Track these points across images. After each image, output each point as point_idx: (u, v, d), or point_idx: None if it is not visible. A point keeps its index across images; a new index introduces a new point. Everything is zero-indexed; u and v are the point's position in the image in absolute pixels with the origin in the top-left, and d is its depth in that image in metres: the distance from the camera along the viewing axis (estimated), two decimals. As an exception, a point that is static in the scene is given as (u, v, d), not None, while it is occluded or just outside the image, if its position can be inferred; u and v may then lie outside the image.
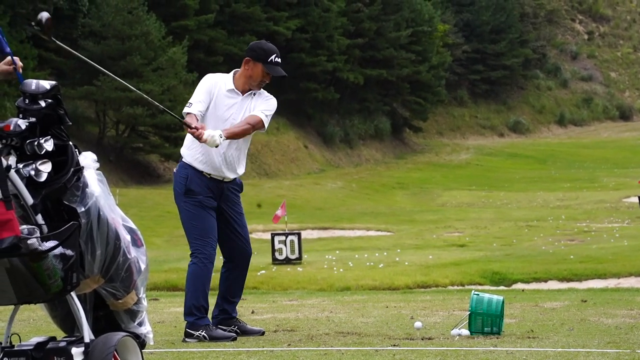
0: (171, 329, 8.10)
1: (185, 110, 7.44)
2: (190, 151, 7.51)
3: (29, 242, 4.46)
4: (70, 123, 4.79)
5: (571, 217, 32.20)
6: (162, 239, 28.18)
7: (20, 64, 5.40)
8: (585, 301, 9.98)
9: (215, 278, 7.46)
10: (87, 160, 4.88)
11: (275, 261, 19.65)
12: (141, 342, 4.97)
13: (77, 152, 4.82)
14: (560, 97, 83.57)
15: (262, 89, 7.63)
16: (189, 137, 7.46)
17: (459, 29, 73.66)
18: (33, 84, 4.75)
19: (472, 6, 75.64)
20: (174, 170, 7.66)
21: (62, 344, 4.66)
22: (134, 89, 7.66)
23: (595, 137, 75.31)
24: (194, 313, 7.37)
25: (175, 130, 43.15)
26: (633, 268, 18.08)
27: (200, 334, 7.30)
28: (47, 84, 4.75)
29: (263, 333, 7.57)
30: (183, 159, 7.56)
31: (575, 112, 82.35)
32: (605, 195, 40.61)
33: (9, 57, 5.30)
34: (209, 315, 7.58)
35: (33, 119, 4.66)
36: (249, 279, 17.05)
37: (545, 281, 17.47)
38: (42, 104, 4.70)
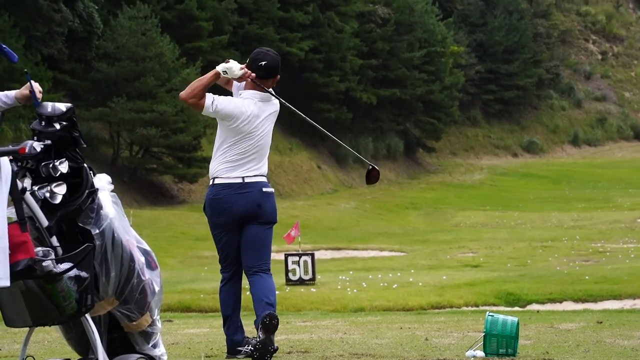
0: (185, 351, 8.09)
1: None
2: None
3: (44, 264, 4.47)
4: (85, 145, 4.80)
5: (586, 238, 32.07)
6: (176, 260, 28.18)
7: (39, 88, 5.41)
8: (601, 322, 9.92)
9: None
10: (102, 182, 4.90)
11: (288, 282, 19.61)
12: (155, 364, 4.96)
13: (92, 174, 4.84)
14: (574, 117, 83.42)
15: (271, 97, 7.63)
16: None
17: (472, 49, 73.69)
18: (49, 106, 4.77)
19: (485, 26, 75.70)
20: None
21: (77, 366, 4.66)
22: None
23: (610, 157, 75.09)
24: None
25: (189, 151, 43.22)
26: (649, 289, 17.98)
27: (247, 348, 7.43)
28: (63, 107, 4.78)
29: (276, 349, 7.60)
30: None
31: (589, 132, 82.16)
32: (620, 216, 40.45)
33: (27, 83, 5.31)
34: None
35: (48, 142, 4.68)
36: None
37: (560, 302, 17.37)
38: (57, 126, 4.72)
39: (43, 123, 4.73)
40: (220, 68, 7.48)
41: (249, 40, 51.52)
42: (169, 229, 34.04)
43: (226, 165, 7.49)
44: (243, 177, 7.47)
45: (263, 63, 7.55)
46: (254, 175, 7.50)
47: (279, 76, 7.67)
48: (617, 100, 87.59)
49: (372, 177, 8.02)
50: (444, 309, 16.19)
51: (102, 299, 4.80)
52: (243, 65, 7.57)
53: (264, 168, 7.61)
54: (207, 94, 7.48)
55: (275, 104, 7.69)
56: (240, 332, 7.58)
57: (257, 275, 7.47)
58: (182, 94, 7.48)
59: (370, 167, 8.05)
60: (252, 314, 7.47)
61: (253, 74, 7.54)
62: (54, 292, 4.54)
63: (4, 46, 4.95)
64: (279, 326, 10.26)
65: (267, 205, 7.53)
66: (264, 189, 7.53)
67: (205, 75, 7.50)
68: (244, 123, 7.47)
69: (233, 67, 7.45)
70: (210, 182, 7.56)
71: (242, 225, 7.50)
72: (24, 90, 5.39)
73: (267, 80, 7.59)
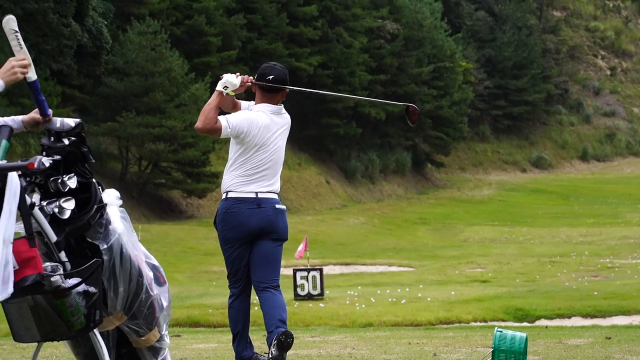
0: (193, 366, 8.08)
1: None
2: None
3: (52, 279, 4.48)
4: (94, 161, 4.81)
5: (595, 253, 31.99)
6: (184, 275, 28.18)
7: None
8: (610, 338, 9.90)
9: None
10: (111, 197, 4.91)
11: (297, 297, 19.60)
12: (164, 380, 4.97)
13: (101, 189, 4.85)
14: (582, 132, 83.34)
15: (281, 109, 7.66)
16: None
17: (480, 65, 73.73)
18: (58, 121, 4.79)
19: (494, 42, 75.76)
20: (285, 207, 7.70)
21: (85, 381, 4.67)
22: None
23: (619, 173, 74.94)
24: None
25: (198, 166, 43.28)
26: (658, 304, 17.92)
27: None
28: (72, 122, 4.79)
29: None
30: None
31: (598, 147, 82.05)
32: (629, 231, 40.34)
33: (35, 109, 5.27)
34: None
35: (58, 157, 4.69)
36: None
37: (569, 317, 17.32)
38: (66, 141, 4.73)
39: (52, 138, 4.75)
40: (220, 87, 7.47)
41: (258, 56, 51.63)
42: (178, 244, 34.05)
43: (240, 180, 7.49)
44: (257, 193, 7.47)
45: (270, 77, 7.56)
46: (267, 192, 7.50)
47: (287, 90, 7.67)
48: (626, 115, 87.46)
49: (412, 115, 7.85)
50: (452, 324, 16.16)
51: (110, 314, 4.80)
52: (237, 73, 7.60)
53: (276, 185, 7.60)
54: (219, 117, 7.46)
55: (286, 118, 7.68)
56: (249, 348, 7.57)
57: (267, 291, 7.46)
58: (198, 124, 7.43)
59: (405, 107, 7.95)
60: (261, 329, 7.47)
61: (251, 78, 7.57)
62: (62, 307, 4.54)
63: (42, 98, 4.90)
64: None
65: (280, 222, 7.53)
66: (277, 206, 7.54)
67: (210, 99, 7.49)
68: (257, 135, 7.47)
69: (229, 79, 7.46)
70: (224, 196, 7.55)
71: (253, 241, 7.49)
72: (32, 115, 5.32)
73: (275, 94, 7.60)
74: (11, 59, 4.71)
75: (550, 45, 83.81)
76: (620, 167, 78.04)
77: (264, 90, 7.57)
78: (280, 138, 7.61)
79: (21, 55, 4.62)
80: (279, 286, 7.52)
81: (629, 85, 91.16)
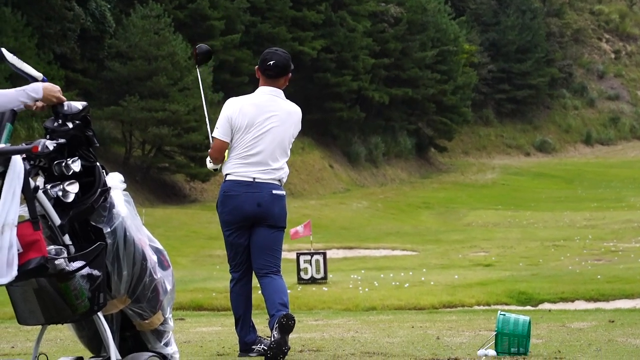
0: (197, 349, 8.11)
1: None
2: None
3: (56, 262, 4.49)
4: (98, 145, 4.82)
5: (598, 237, 31.99)
6: (188, 259, 28.22)
7: (57, 88, 5.41)
8: (613, 321, 9.91)
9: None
10: (115, 181, 4.91)
11: (300, 281, 19.63)
12: (167, 362, 4.98)
13: (105, 173, 4.85)
14: (586, 116, 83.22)
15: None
16: None
17: (484, 49, 73.58)
18: (65, 105, 4.79)
19: (497, 26, 75.57)
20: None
21: (89, 364, 4.69)
22: None
23: (623, 157, 74.86)
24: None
25: (201, 150, 43.29)
26: (661, 288, 17.94)
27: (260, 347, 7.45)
28: (79, 105, 4.79)
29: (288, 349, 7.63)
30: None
31: (602, 131, 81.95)
32: (633, 215, 40.33)
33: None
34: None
35: (62, 140, 4.70)
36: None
37: (572, 301, 17.34)
38: (70, 125, 4.74)
39: (60, 121, 4.75)
40: (211, 167, 7.71)
41: (261, 40, 51.55)
42: (181, 228, 34.09)
43: (238, 162, 7.52)
44: (254, 178, 7.47)
45: (272, 62, 7.55)
46: (267, 178, 7.49)
47: (290, 74, 7.66)
48: (630, 99, 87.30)
49: (197, 56, 7.83)
50: (455, 308, 16.18)
51: (114, 298, 4.82)
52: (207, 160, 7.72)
53: (278, 173, 7.56)
54: (214, 139, 7.53)
55: (289, 106, 7.64)
56: (252, 332, 7.58)
57: (267, 277, 7.47)
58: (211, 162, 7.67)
59: (192, 49, 7.95)
60: (264, 312, 7.49)
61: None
62: (66, 290, 4.56)
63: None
64: (291, 325, 10.26)
65: (276, 208, 7.50)
66: (275, 192, 7.51)
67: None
68: (241, 116, 7.50)
69: (210, 167, 7.73)
70: (224, 179, 7.62)
71: (251, 227, 7.50)
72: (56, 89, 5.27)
73: (278, 79, 7.59)
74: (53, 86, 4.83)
75: (555, 28, 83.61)
76: (624, 151, 77.96)
77: (265, 76, 7.58)
78: (276, 121, 7.53)
79: (35, 73, 4.85)
80: (279, 271, 7.52)
81: (634, 69, 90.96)
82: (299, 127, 7.71)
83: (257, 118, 7.49)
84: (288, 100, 7.66)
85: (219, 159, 7.60)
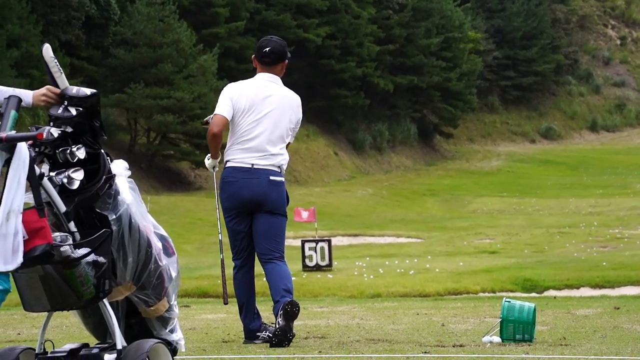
0: (202, 336, 8.13)
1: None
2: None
3: (61, 249, 4.50)
4: (106, 137, 4.82)
5: (603, 224, 31.97)
6: (193, 246, 28.26)
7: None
8: (618, 308, 9.92)
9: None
10: (119, 168, 4.91)
11: (305, 268, 19.65)
12: (173, 349, 4.99)
13: (109, 160, 4.85)
14: (592, 103, 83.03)
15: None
16: None
17: (489, 35, 73.40)
18: (74, 89, 4.79)
19: (503, 12, 75.34)
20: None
21: (95, 350, 4.69)
22: None
23: (628, 143, 74.71)
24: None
25: (206, 137, 43.26)
26: (666, 275, 17.93)
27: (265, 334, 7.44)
28: (87, 91, 4.80)
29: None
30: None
31: (607, 118, 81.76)
32: (638, 202, 40.27)
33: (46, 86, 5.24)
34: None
35: (69, 129, 4.70)
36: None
37: (578, 288, 17.35)
38: (74, 112, 4.73)
39: (66, 103, 4.74)
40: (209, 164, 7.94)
41: (266, 27, 51.46)
42: (186, 215, 34.13)
43: (237, 148, 7.58)
44: (252, 164, 7.49)
45: (267, 49, 7.58)
46: (266, 164, 7.49)
47: (287, 62, 7.68)
48: (636, 85, 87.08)
49: None
50: (460, 295, 16.20)
51: (119, 285, 4.82)
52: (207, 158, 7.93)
53: (277, 159, 7.55)
54: (216, 116, 7.62)
55: (287, 92, 7.63)
56: (257, 319, 7.59)
57: (271, 262, 7.47)
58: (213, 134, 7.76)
59: None
60: (268, 299, 7.50)
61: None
62: (72, 277, 4.57)
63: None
64: (296, 312, 10.27)
65: (273, 194, 7.49)
66: (272, 178, 7.51)
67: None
68: (240, 98, 7.55)
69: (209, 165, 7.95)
70: (224, 166, 7.68)
71: (251, 213, 7.51)
72: (42, 90, 5.17)
73: (274, 66, 7.62)
74: (49, 87, 4.85)
75: (560, 15, 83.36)
76: (630, 138, 77.79)
77: (262, 63, 7.59)
78: (273, 105, 7.52)
79: (61, 80, 4.84)
80: (283, 257, 7.53)
81: (639, 55, 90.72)
82: (299, 114, 7.70)
83: (255, 101, 7.53)
84: (286, 87, 7.69)
85: (218, 137, 7.64)
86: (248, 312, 7.58)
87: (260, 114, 7.52)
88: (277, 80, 7.62)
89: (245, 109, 7.53)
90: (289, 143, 7.70)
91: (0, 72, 35.01)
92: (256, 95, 7.54)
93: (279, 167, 7.56)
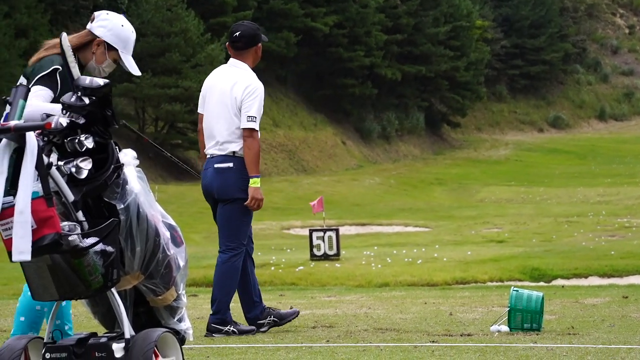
0: (210, 325, 8.13)
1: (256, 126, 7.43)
2: None
3: (70, 238, 4.51)
4: (117, 126, 4.81)
5: (612, 213, 31.93)
6: (200, 235, 28.29)
7: None
8: (627, 297, 9.91)
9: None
10: (127, 157, 4.91)
11: (313, 257, 19.66)
12: (181, 338, 5.00)
13: (117, 149, 4.85)
14: (600, 91, 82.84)
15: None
16: None
17: (497, 24, 73.24)
18: (87, 79, 4.78)
19: (511, 1, 75.17)
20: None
21: (103, 339, 4.70)
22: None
23: (636, 132, 74.55)
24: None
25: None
26: (675, 264, 17.90)
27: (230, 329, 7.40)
28: (101, 81, 4.78)
29: (298, 313, 7.64)
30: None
31: (615, 106, 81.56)
32: (646, 191, 40.22)
33: None
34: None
35: (82, 120, 4.69)
36: (287, 275, 17.09)
37: (586, 277, 17.34)
38: (87, 100, 4.73)
39: (78, 94, 4.74)
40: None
41: (274, 16, 51.43)
42: (194, 204, 34.15)
43: (206, 140, 7.62)
44: (211, 154, 7.54)
45: (237, 34, 7.53)
46: (216, 153, 7.45)
47: (260, 45, 7.59)
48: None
49: None
50: (468, 284, 16.19)
51: (127, 274, 4.83)
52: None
53: (227, 147, 7.37)
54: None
55: (241, 81, 7.36)
56: (255, 308, 7.57)
57: (219, 256, 7.51)
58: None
59: None
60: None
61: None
62: (80, 266, 4.57)
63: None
64: (304, 301, 10.31)
65: (215, 182, 7.41)
66: (216, 165, 7.42)
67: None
68: (203, 89, 7.66)
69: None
70: None
71: (216, 204, 7.54)
72: None
73: (246, 50, 7.52)
74: None
75: (568, 3, 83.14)
76: (638, 127, 77.62)
77: (233, 49, 7.57)
78: (218, 92, 7.43)
79: (75, 70, 5.08)
80: (229, 249, 7.42)
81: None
82: (241, 94, 7.35)
83: (207, 90, 7.56)
84: (248, 72, 7.46)
85: (199, 133, 7.64)
86: (243, 303, 7.59)
87: (209, 103, 7.53)
88: (240, 65, 7.49)
89: (203, 101, 7.58)
90: (252, 129, 7.33)
91: (9, 61, 35.06)
92: (210, 84, 7.56)
93: (232, 153, 7.38)
